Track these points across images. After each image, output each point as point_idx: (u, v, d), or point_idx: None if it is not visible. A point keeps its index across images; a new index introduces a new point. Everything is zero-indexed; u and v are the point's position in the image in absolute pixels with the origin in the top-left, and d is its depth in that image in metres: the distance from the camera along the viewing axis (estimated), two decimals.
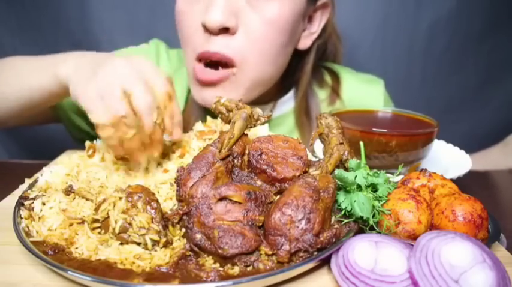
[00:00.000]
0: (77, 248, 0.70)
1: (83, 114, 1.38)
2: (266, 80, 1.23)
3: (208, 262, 0.67)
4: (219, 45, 1.12)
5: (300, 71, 1.34)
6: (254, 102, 1.33)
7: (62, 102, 1.31)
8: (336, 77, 1.44)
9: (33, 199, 0.81)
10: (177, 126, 0.91)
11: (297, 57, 1.31)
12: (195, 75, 1.17)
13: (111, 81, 0.82)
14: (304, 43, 1.28)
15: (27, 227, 0.76)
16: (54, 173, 0.89)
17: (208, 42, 1.12)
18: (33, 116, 1.29)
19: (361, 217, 0.73)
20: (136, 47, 1.47)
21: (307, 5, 1.19)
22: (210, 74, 1.15)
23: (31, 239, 0.72)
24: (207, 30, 1.11)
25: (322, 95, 1.43)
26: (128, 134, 0.82)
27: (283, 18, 1.13)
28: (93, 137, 1.32)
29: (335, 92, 1.41)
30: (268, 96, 1.36)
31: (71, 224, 0.75)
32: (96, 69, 0.86)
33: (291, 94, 1.40)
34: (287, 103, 1.40)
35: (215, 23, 1.07)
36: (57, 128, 1.43)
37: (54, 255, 0.68)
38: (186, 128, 1.35)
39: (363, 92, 1.43)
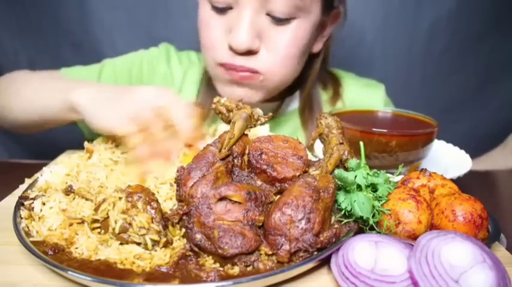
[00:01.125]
0: (77, 248, 0.70)
1: None
2: (287, 82, 1.28)
3: (208, 262, 0.67)
4: (243, 61, 1.15)
5: (308, 70, 1.37)
6: (261, 101, 1.35)
7: None
8: (337, 81, 1.47)
9: (33, 199, 0.81)
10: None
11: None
12: (222, 75, 1.21)
13: (144, 102, 0.89)
14: (317, 46, 1.32)
15: (27, 227, 0.76)
16: (54, 173, 0.89)
17: (231, 58, 1.16)
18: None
19: (361, 217, 0.73)
20: (147, 50, 1.48)
21: (322, 17, 1.23)
22: (237, 73, 1.18)
23: (31, 239, 0.72)
24: (232, 50, 1.14)
25: (324, 96, 1.45)
26: (157, 135, 0.87)
27: (303, 36, 1.17)
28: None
29: (337, 94, 1.45)
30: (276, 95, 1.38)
31: (71, 224, 0.75)
32: (120, 97, 0.93)
33: (297, 93, 1.42)
34: (293, 102, 1.42)
35: (241, 46, 1.11)
36: (57, 128, 1.43)
37: (54, 255, 0.68)
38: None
39: (364, 96, 1.46)
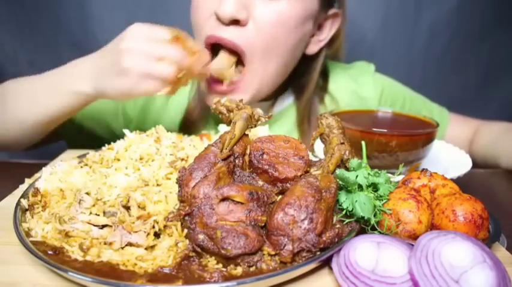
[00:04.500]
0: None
1: (96, 119, 1.40)
2: (272, 81, 1.26)
3: (211, 262, 0.67)
4: (229, 33, 1.16)
5: (306, 76, 1.37)
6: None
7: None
8: (324, 74, 1.47)
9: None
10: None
11: (304, 61, 1.33)
12: (207, 86, 1.23)
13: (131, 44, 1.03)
14: (312, 49, 1.31)
15: (27, 227, 0.76)
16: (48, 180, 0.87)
17: (219, 29, 1.16)
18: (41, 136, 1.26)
19: (363, 217, 0.73)
20: None
21: (319, 10, 1.23)
22: (220, 85, 1.20)
23: (31, 239, 0.72)
24: (219, 19, 1.15)
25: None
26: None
27: (293, 16, 1.17)
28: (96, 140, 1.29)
29: (324, 89, 1.45)
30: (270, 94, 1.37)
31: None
32: (115, 60, 1.02)
33: (289, 91, 1.42)
34: (286, 99, 1.42)
35: (227, 14, 1.12)
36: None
37: (54, 255, 0.68)
38: (190, 127, 1.36)
39: (352, 84, 1.46)
